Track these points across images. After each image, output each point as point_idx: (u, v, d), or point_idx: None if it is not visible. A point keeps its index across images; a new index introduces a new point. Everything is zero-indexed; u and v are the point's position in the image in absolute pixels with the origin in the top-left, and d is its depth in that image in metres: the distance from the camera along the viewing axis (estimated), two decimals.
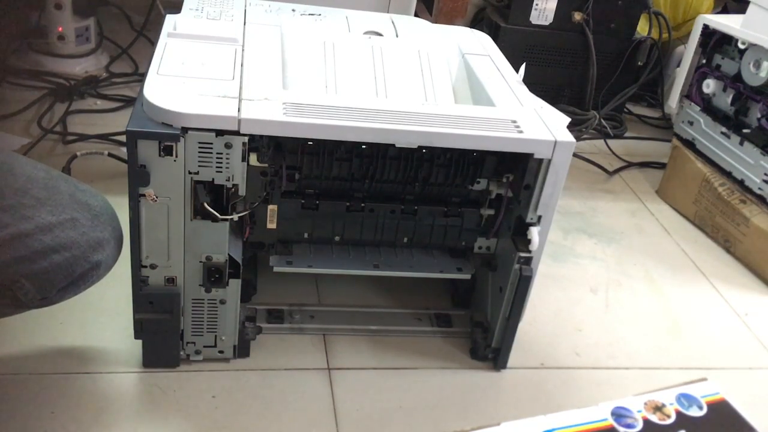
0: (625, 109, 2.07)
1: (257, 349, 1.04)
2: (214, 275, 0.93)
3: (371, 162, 0.98)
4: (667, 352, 1.19)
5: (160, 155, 0.84)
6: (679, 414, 0.61)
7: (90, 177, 1.37)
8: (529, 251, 0.99)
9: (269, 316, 1.10)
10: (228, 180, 0.87)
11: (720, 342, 1.24)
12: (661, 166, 1.76)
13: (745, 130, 1.47)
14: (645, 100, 2.16)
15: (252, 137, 0.86)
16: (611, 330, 1.22)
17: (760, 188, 1.44)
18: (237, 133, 0.84)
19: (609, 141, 1.87)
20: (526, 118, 0.96)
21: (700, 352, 1.21)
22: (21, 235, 0.78)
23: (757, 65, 1.42)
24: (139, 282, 0.92)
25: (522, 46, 1.85)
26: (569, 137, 0.93)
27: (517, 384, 1.07)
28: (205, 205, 0.87)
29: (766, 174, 1.42)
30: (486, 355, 1.09)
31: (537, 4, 1.82)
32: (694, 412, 0.61)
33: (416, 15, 1.65)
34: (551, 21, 1.84)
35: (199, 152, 0.85)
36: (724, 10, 2.11)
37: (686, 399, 0.62)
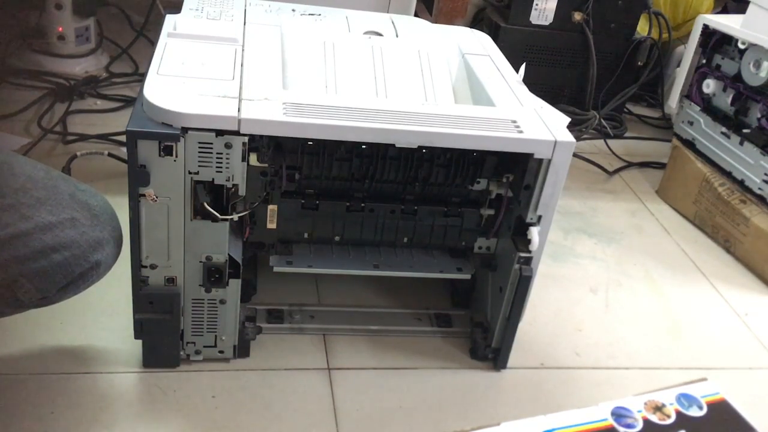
0: (625, 109, 2.07)
1: (257, 349, 1.04)
2: (214, 275, 0.93)
3: (371, 162, 0.98)
4: (667, 352, 1.19)
5: (160, 155, 0.84)
6: (679, 414, 0.61)
7: (90, 177, 1.36)
8: (529, 251, 0.99)
9: (269, 316, 1.10)
10: (228, 180, 0.87)
11: (720, 342, 1.24)
12: (661, 166, 1.76)
13: (745, 130, 1.47)
14: (645, 100, 2.16)
15: (252, 137, 0.86)
16: (611, 330, 1.22)
17: (760, 188, 1.44)
18: (237, 133, 0.84)
19: (609, 141, 1.87)
20: (526, 118, 0.96)
21: (700, 352, 1.21)
22: (21, 234, 0.78)
23: (757, 65, 1.42)
24: (139, 282, 0.92)
25: (522, 46, 1.85)
26: (569, 137, 0.93)
27: (517, 384, 1.07)
28: (205, 205, 0.87)
29: (766, 174, 1.42)
30: (486, 355, 1.09)
31: (537, 4, 1.82)
32: (694, 412, 0.61)
33: (416, 15, 1.65)
34: (551, 21, 1.84)
35: (199, 152, 0.85)
36: (724, 10, 2.11)
37: (686, 399, 0.62)
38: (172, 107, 0.82)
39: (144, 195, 0.85)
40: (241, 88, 0.89)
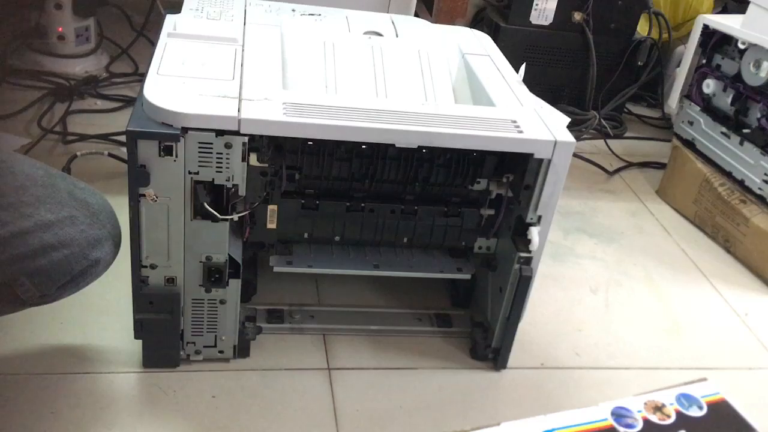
0: (625, 109, 2.06)
1: (257, 349, 1.04)
2: (214, 275, 0.93)
3: (371, 162, 0.98)
4: (667, 352, 1.19)
5: (160, 155, 0.84)
6: (679, 414, 0.61)
7: (90, 177, 1.36)
8: (529, 251, 0.99)
9: (269, 316, 1.10)
10: (228, 180, 0.87)
11: (720, 342, 1.24)
12: (661, 166, 1.76)
13: (745, 130, 1.47)
14: (645, 100, 2.16)
15: (252, 137, 0.86)
16: (611, 330, 1.22)
17: (760, 188, 1.43)
18: (237, 133, 0.84)
19: (609, 141, 1.87)
20: (526, 118, 0.96)
21: (700, 352, 1.21)
22: (20, 232, 0.78)
23: (757, 65, 1.42)
24: (139, 282, 0.92)
25: (522, 46, 1.85)
26: (569, 137, 0.93)
27: (517, 384, 1.07)
28: (205, 205, 0.87)
29: (766, 174, 1.42)
30: (486, 355, 1.09)
31: (537, 4, 1.82)
32: (694, 412, 0.61)
33: (416, 15, 1.65)
34: (551, 21, 1.84)
35: (199, 152, 0.85)
36: (724, 10, 2.11)
37: (686, 399, 0.62)
38: (172, 107, 0.82)
39: (144, 195, 0.85)
40: (241, 88, 0.89)
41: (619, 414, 0.60)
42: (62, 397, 0.93)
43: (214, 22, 1.07)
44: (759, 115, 1.43)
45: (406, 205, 1.03)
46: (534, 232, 0.97)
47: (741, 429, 0.61)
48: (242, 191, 0.89)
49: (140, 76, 1.80)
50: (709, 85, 1.56)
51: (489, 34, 1.26)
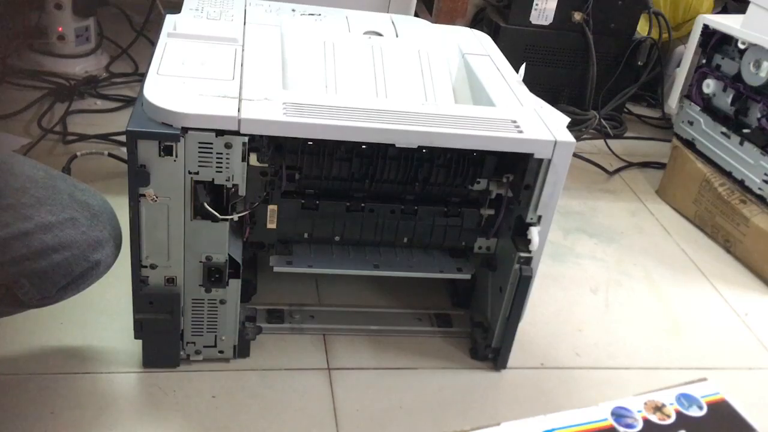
0: (625, 109, 2.06)
1: (257, 349, 1.04)
2: (214, 275, 0.93)
3: (371, 162, 0.98)
4: (667, 352, 1.19)
5: (160, 155, 0.84)
6: (679, 414, 0.61)
7: (90, 177, 1.36)
8: (529, 251, 0.99)
9: (269, 316, 1.10)
10: (228, 180, 0.87)
11: (720, 342, 1.24)
12: (661, 166, 1.76)
13: (745, 130, 1.47)
14: (645, 100, 2.16)
15: (252, 137, 0.86)
16: (611, 330, 1.22)
17: (760, 188, 1.43)
18: (237, 133, 0.84)
19: (609, 141, 1.87)
20: (526, 118, 0.96)
21: (700, 352, 1.21)
22: (21, 234, 0.78)
23: (757, 65, 1.42)
24: (139, 282, 0.92)
25: (522, 46, 1.85)
26: (569, 137, 0.93)
27: (517, 384, 1.07)
28: (205, 205, 0.87)
29: (766, 174, 1.42)
30: (486, 355, 1.09)
31: (537, 4, 1.82)
32: (694, 412, 0.61)
33: (416, 15, 1.65)
34: (551, 21, 1.84)
35: (199, 152, 0.85)
36: (724, 10, 2.11)
37: (686, 399, 0.62)
38: (172, 107, 0.82)
39: (144, 195, 0.85)
40: (241, 88, 0.89)
41: (619, 414, 0.60)
42: (62, 397, 0.93)
43: (214, 22, 1.07)
44: (759, 115, 1.43)
45: (406, 205, 1.03)
46: (534, 232, 0.97)
47: (741, 429, 0.61)
48: (242, 191, 0.89)
49: (140, 76, 1.80)
50: (709, 85, 1.56)
51: (489, 34, 1.26)
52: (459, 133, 0.90)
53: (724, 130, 1.52)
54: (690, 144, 1.62)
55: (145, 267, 0.91)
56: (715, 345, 1.23)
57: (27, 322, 1.01)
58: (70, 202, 0.83)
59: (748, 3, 1.45)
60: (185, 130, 0.83)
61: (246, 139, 0.85)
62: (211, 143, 0.85)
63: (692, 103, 1.61)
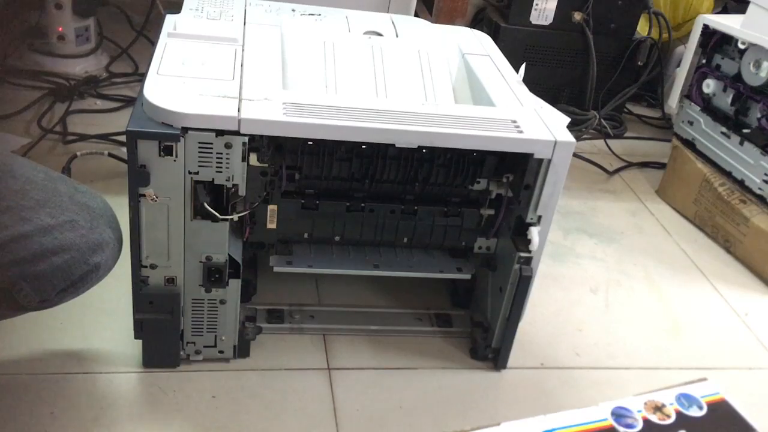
0: (625, 109, 2.07)
1: (257, 349, 1.04)
2: (214, 275, 0.93)
3: (371, 162, 0.98)
4: (667, 352, 1.19)
5: (160, 155, 0.84)
6: (679, 414, 0.61)
7: (90, 177, 1.37)
8: (529, 251, 0.99)
9: (269, 316, 1.10)
10: (228, 180, 0.87)
11: (720, 342, 1.24)
12: (661, 166, 1.76)
13: (745, 130, 1.47)
14: (645, 100, 2.16)
15: (252, 137, 0.86)
16: (611, 330, 1.22)
17: (760, 188, 1.43)
18: (237, 133, 0.84)
19: (609, 141, 1.87)
20: (526, 118, 0.96)
21: (700, 352, 1.21)
22: (20, 237, 0.78)
23: (757, 65, 1.42)
24: (139, 282, 0.92)
25: (522, 46, 1.85)
26: (569, 137, 0.93)
27: (517, 384, 1.07)
28: (205, 205, 0.87)
29: (766, 174, 1.42)
30: (486, 355, 1.09)
31: (537, 4, 1.82)
32: (694, 412, 0.61)
33: (416, 15, 1.65)
34: (551, 21, 1.84)
35: (199, 152, 0.85)
36: (724, 10, 2.11)
37: (686, 399, 0.62)
38: (172, 107, 0.82)
39: (144, 195, 0.85)
40: (241, 88, 0.89)
41: (619, 414, 0.60)
42: (62, 397, 0.93)
43: (214, 22, 1.07)
44: (759, 115, 1.43)
45: (406, 205, 1.03)
46: (534, 232, 0.97)
47: (741, 429, 0.61)
48: (242, 191, 0.89)
49: (140, 76, 1.80)
50: (709, 85, 1.56)
51: (489, 34, 1.26)
52: (459, 133, 0.90)
53: (724, 130, 1.52)
54: (690, 144, 1.62)
55: (145, 267, 0.91)
56: (715, 345, 1.23)
57: (27, 323, 1.01)
58: (69, 205, 0.82)
59: (748, 3, 1.45)
60: (185, 130, 0.83)
61: (246, 139, 0.85)
62: (211, 143, 0.85)
63: (692, 103, 1.61)
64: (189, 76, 0.90)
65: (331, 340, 1.09)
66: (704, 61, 1.59)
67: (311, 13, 1.18)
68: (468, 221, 1.05)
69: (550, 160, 0.93)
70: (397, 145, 0.90)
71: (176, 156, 0.84)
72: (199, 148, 0.85)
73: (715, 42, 1.55)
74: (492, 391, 1.05)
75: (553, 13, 1.83)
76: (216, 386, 0.98)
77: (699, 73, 1.59)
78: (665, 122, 2.02)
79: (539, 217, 0.98)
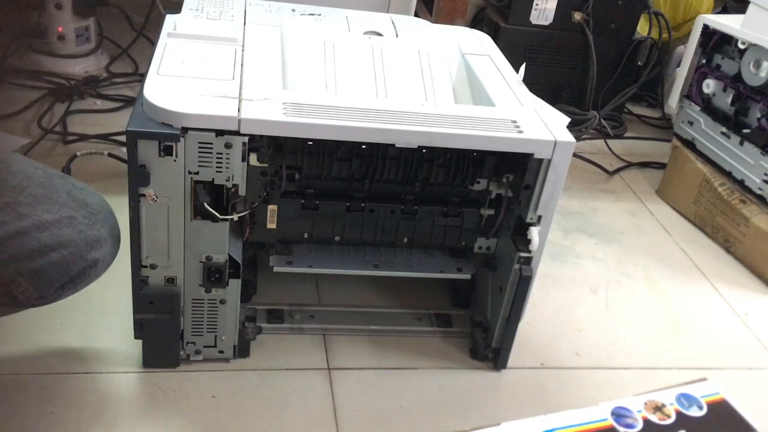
0: (625, 109, 2.06)
1: (257, 349, 1.04)
2: (214, 275, 0.93)
3: (371, 162, 0.98)
4: (667, 352, 1.19)
5: (160, 155, 0.84)
6: (679, 414, 0.61)
7: (90, 177, 1.36)
8: (529, 251, 0.99)
9: (269, 316, 1.10)
10: (228, 180, 0.87)
11: (720, 342, 1.24)
12: (661, 166, 1.76)
13: (745, 130, 1.47)
14: (645, 100, 2.16)
15: (252, 137, 0.86)
16: (611, 330, 1.22)
17: (760, 188, 1.43)
18: (237, 133, 0.84)
19: (609, 141, 1.87)
20: (526, 118, 0.96)
21: (700, 352, 1.21)
22: (18, 233, 0.78)
23: (757, 65, 1.42)
24: (139, 282, 0.92)
25: (522, 46, 1.85)
26: (569, 137, 0.93)
27: (517, 384, 1.07)
28: (205, 205, 0.87)
29: (766, 174, 1.42)
30: (486, 355, 1.09)
31: (537, 4, 1.82)
32: (694, 412, 0.61)
33: (416, 15, 1.65)
34: (551, 21, 1.84)
35: (199, 152, 0.85)
36: (724, 10, 2.11)
37: (686, 399, 0.62)
38: (172, 107, 0.82)
39: (144, 195, 0.85)
40: (241, 88, 0.89)
41: (619, 414, 0.60)
42: (62, 397, 0.93)
43: (214, 22, 1.07)
44: (759, 115, 1.43)
45: (405, 205, 1.03)
46: (534, 232, 0.97)
47: (741, 429, 0.61)
48: (242, 191, 0.89)
49: (140, 76, 1.80)
50: (709, 85, 1.56)
51: (489, 34, 1.26)
52: (459, 133, 0.90)
53: (724, 130, 1.52)
54: (690, 144, 1.62)
55: (145, 267, 0.91)
56: (715, 345, 1.23)
57: (27, 322, 1.02)
58: (67, 201, 0.82)
59: (748, 3, 1.45)
60: (185, 130, 0.83)
61: (246, 139, 0.85)
62: (211, 143, 0.85)
63: (692, 103, 1.61)
64: (189, 76, 0.90)
65: (331, 340, 1.09)
66: (704, 61, 1.59)
67: (311, 13, 1.18)
68: (468, 221, 1.05)
69: (550, 160, 0.93)
70: (397, 145, 0.90)
71: (176, 156, 0.84)
72: (199, 148, 0.85)
73: (715, 42, 1.55)
74: (492, 391, 1.05)
75: (553, 13, 1.83)
76: (216, 386, 0.98)
77: (699, 73, 1.59)
78: (665, 122, 2.02)
79: (539, 217, 0.98)
